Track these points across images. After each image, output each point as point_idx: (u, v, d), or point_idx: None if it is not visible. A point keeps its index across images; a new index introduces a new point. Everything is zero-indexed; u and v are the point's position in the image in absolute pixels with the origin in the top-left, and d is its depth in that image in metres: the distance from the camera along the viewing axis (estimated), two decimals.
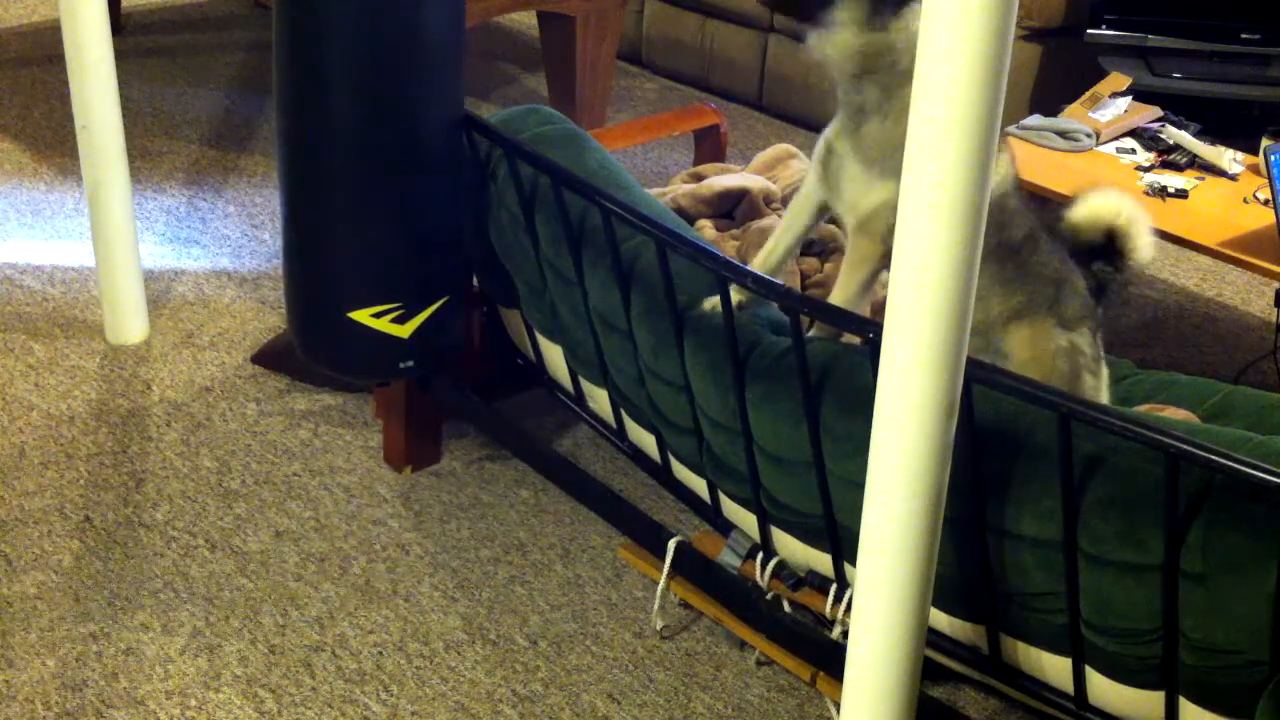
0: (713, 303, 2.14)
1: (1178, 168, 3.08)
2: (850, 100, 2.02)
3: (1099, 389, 2.16)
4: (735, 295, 2.16)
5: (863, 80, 1.98)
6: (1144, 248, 2.16)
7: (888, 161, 1.98)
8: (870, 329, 1.86)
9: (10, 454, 2.84)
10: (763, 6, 2.08)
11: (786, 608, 2.24)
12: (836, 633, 2.16)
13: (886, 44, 1.95)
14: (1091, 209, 2.17)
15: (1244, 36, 4.11)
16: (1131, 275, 2.19)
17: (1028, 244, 2.11)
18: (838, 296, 2.14)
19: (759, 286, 2.06)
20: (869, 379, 1.69)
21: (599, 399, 2.51)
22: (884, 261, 2.05)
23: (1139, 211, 2.16)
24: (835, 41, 1.98)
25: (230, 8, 5.69)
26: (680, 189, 2.95)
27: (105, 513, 2.68)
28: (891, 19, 1.94)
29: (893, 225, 1.97)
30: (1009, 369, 2.14)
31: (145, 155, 4.22)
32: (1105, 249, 2.17)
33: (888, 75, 1.96)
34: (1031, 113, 3.37)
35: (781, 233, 2.25)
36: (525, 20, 5.50)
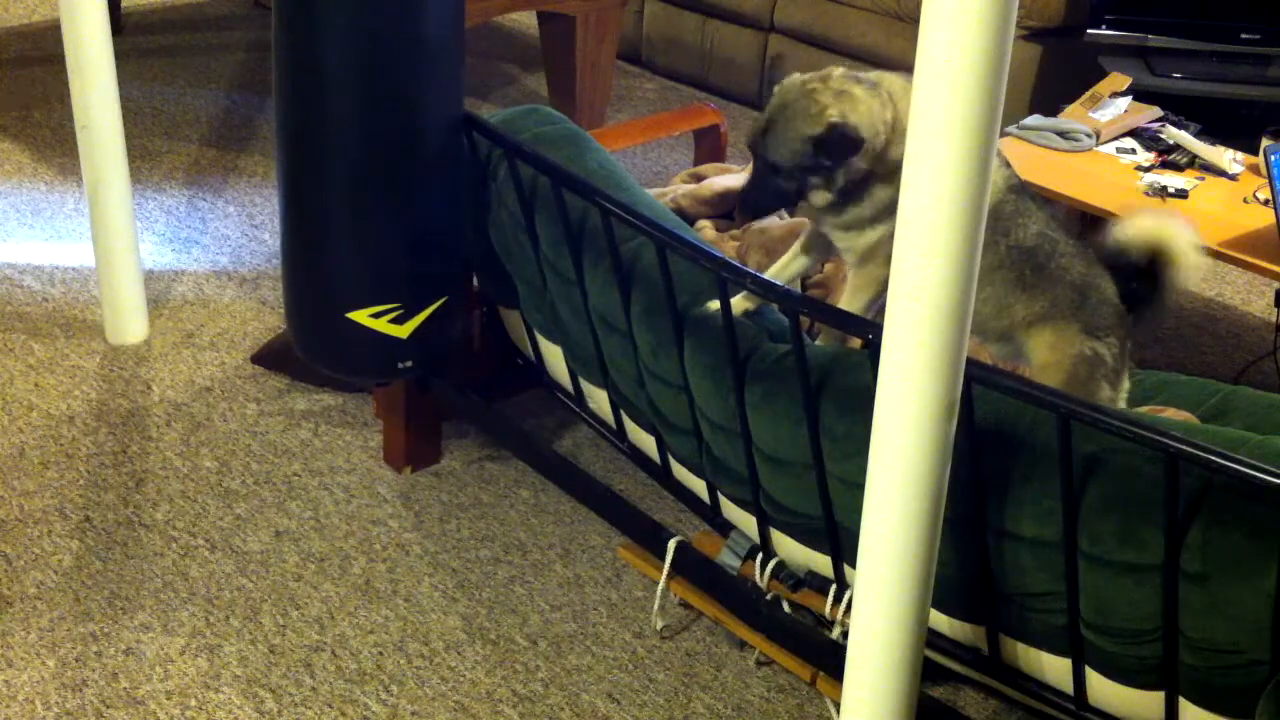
0: (716, 304, 2.15)
1: (1178, 168, 3.07)
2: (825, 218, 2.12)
3: (1115, 401, 2.15)
4: (741, 303, 2.17)
5: (840, 206, 2.07)
6: (1190, 276, 2.12)
7: (863, 221, 2.07)
8: (870, 330, 1.86)
9: (10, 454, 2.84)
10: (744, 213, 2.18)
11: (786, 608, 2.24)
12: (836, 633, 2.16)
13: (851, 184, 2.03)
14: (1140, 230, 2.13)
15: (1244, 36, 4.10)
16: (1170, 304, 2.16)
17: (1043, 246, 2.11)
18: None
19: (758, 287, 2.06)
20: (868, 380, 1.69)
21: (599, 399, 2.51)
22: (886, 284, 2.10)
23: (1190, 236, 2.12)
24: (815, 204, 2.07)
25: (230, 8, 5.69)
26: (680, 189, 2.95)
27: (105, 513, 2.68)
28: (849, 169, 2.01)
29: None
30: (1029, 371, 2.14)
31: (145, 155, 4.22)
32: (1146, 271, 2.15)
33: (857, 192, 2.05)
34: (1031, 113, 3.37)
35: (780, 268, 2.27)
36: (525, 20, 5.50)
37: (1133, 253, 2.14)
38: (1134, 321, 2.18)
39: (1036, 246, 2.10)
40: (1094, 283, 2.14)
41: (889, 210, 1.99)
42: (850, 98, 2.00)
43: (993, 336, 2.17)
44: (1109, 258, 2.17)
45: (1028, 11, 4.17)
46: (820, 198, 2.04)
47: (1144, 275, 2.14)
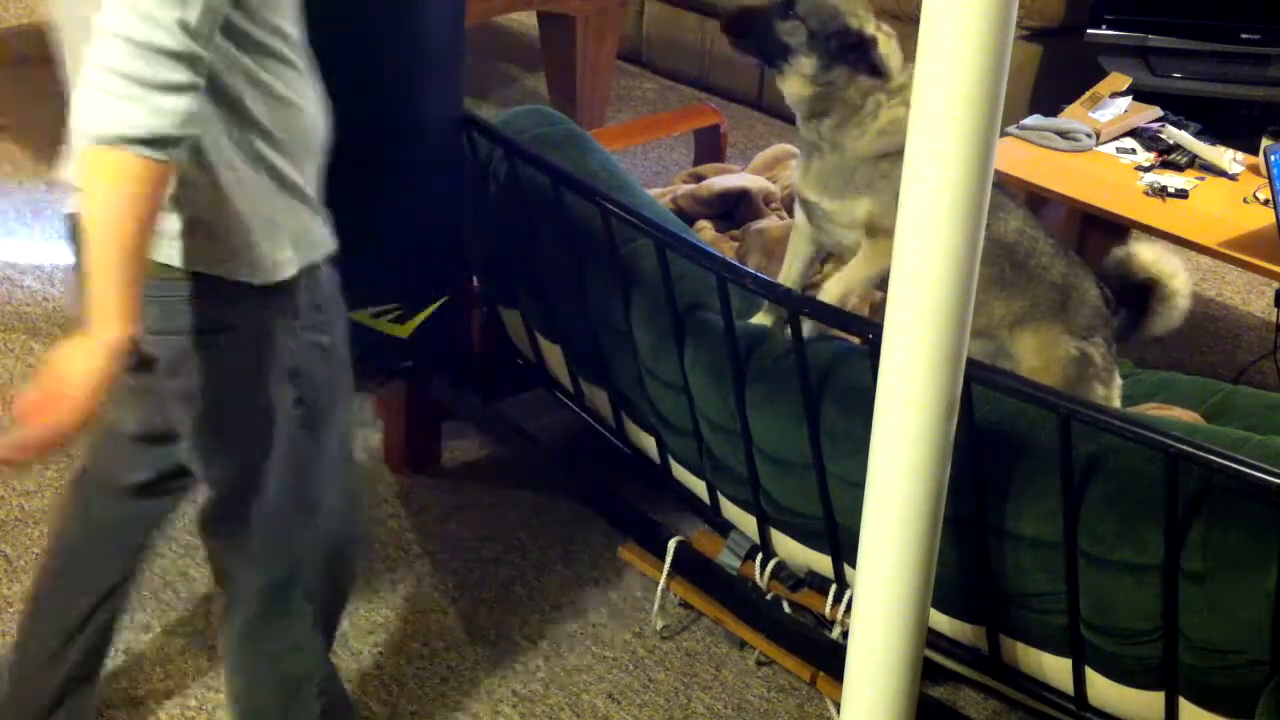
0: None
1: (1178, 168, 3.07)
2: (805, 135, 2.11)
3: (1110, 400, 2.16)
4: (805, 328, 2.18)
5: (815, 119, 2.07)
6: (1172, 321, 2.20)
7: (849, 184, 2.06)
8: (870, 329, 1.86)
9: None
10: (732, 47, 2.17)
11: (786, 608, 2.24)
12: (836, 633, 2.16)
13: (834, 96, 2.04)
14: (1154, 258, 2.18)
15: (1244, 36, 4.10)
16: (1147, 331, 2.22)
17: (1022, 244, 2.11)
18: (846, 278, 2.11)
19: (758, 287, 2.06)
20: (869, 379, 1.69)
21: (599, 399, 2.51)
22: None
23: (1188, 285, 2.20)
24: (789, 86, 2.08)
25: None
26: (680, 189, 2.96)
27: None
28: (841, 75, 2.03)
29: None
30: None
31: None
32: (1137, 294, 2.19)
33: (838, 115, 2.05)
34: (1031, 113, 3.36)
35: (786, 268, 2.26)
36: (525, 20, 5.50)
37: (1135, 274, 2.15)
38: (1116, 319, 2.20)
39: (1016, 243, 2.10)
40: (1075, 283, 2.14)
41: (860, 180, 2.04)
42: (891, 41, 2.04)
43: (970, 333, 2.16)
44: (1109, 266, 2.18)
45: (1028, 11, 4.16)
46: (798, 76, 2.04)
47: (1134, 296, 2.16)
